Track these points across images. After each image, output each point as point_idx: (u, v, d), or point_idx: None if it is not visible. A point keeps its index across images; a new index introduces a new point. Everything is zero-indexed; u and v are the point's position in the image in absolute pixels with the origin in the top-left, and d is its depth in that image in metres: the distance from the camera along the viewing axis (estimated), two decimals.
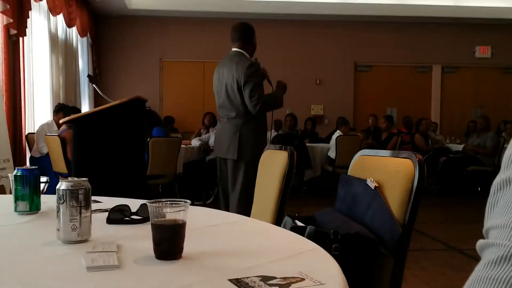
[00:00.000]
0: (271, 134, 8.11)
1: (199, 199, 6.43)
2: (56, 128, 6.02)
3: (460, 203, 6.99)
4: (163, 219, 1.01)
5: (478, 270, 0.49)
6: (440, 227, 5.22)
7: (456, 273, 3.57)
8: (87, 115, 3.78)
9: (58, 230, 1.13)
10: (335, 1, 9.36)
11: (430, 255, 4.11)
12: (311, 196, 7.18)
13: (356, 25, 10.15)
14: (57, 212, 1.13)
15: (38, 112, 6.64)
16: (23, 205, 1.49)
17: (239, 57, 3.62)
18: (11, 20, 5.40)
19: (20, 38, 5.74)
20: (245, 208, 3.49)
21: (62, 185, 1.13)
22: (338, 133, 7.31)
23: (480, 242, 0.52)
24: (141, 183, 4.13)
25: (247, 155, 3.55)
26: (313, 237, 1.42)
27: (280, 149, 2.08)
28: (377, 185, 1.51)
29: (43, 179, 6.22)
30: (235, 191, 3.59)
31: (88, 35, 8.80)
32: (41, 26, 6.83)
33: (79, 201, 1.12)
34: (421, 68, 10.66)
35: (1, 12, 5.30)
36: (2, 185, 4.62)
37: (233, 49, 3.70)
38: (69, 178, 1.15)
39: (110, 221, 1.37)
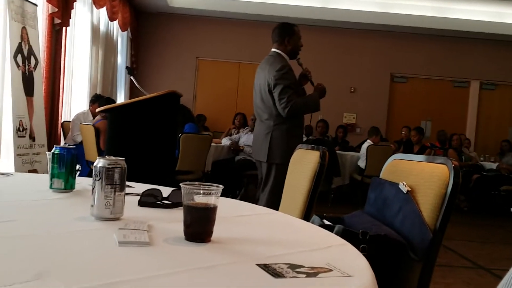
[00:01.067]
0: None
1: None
2: (91, 117, 6.14)
3: (491, 223, 6.83)
4: (195, 201, 1.02)
5: None
6: (469, 245, 5.10)
7: None
8: (122, 106, 3.85)
9: (92, 206, 1.16)
10: (374, 10, 9.28)
11: (456, 272, 4.02)
12: (338, 204, 7.12)
13: (394, 35, 10.04)
14: (92, 188, 1.15)
15: (75, 101, 6.79)
16: (58, 183, 1.52)
17: (273, 59, 3.61)
18: (56, 9, 5.54)
19: (64, 28, 5.89)
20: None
21: (99, 162, 1.15)
22: (368, 142, 7.24)
23: None
24: (170, 177, 4.17)
25: (277, 158, 3.53)
26: (341, 236, 1.41)
27: (312, 149, 2.07)
28: (409, 189, 1.49)
29: None
30: (265, 192, 3.59)
31: (129, 29, 8.95)
32: (84, 17, 6.99)
33: (114, 180, 1.15)
34: (458, 83, 10.47)
35: (47, 1, 5.44)
36: (36, 169, 4.74)
37: (272, 49, 3.70)
38: (107, 157, 1.17)
39: (141, 203, 1.39)
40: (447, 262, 4.25)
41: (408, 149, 7.93)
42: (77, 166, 5.05)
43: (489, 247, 5.17)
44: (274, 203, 3.42)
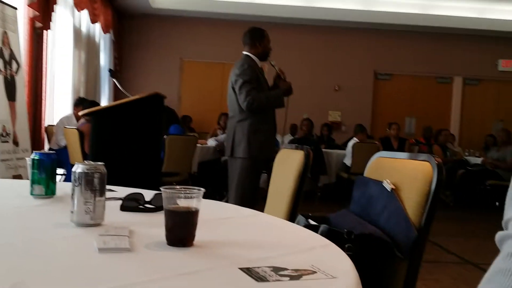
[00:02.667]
0: (283, 138, 8.06)
1: (212, 199, 6.43)
2: (75, 121, 6.08)
3: (477, 217, 6.88)
4: (176, 205, 1.01)
5: (498, 262, 0.47)
6: (455, 241, 5.14)
7: (470, 287, 3.50)
8: (105, 109, 3.81)
9: (72, 212, 1.14)
10: (358, 8, 9.33)
11: (444, 267, 4.04)
12: (324, 202, 7.13)
13: (378, 33, 10.10)
14: (72, 194, 1.13)
15: (58, 105, 6.72)
16: (39, 189, 1.49)
17: (240, 60, 3.76)
18: (37, 13, 5.48)
19: (44, 31, 5.82)
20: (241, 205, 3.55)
21: (78, 167, 1.13)
22: (354, 140, 7.26)
23: (499, 234, 0.50)
24: (156, 179, 4.14)
25: (240, 153, 3.63)
26: (326, 236, 1.40)
27: (297, 148, 2.06)
28: (393, 187, 1.49)
29: (60, 171, 6.27)
30: (231, 189, 3.67)
31: (111, 31, 8.88)
32: (66, 20, 6.92)
33: (94, 185, 1.13)
34: (441, 79, 10.56)
35: (28, 5, 5.38)
36: (20, 175, 4.68)
37: (243, 52, 3.84)
38: (86, 162, 1.15)
39: (123, 208, 1.37)
40: (434, 258, 4.28)
41: (387, 145, 7.93)
42: (62, 171, 4.98)
43: (475, 241, 5.21)
44: (241, 199, 3.51)
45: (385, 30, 10.01)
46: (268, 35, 3.88)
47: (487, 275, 0.48)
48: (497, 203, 7.55)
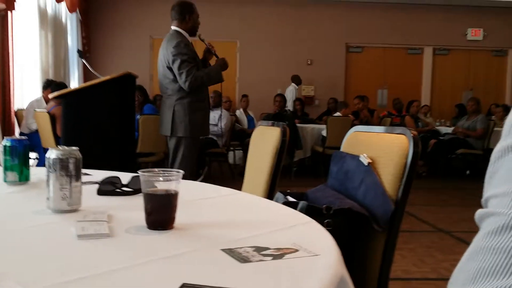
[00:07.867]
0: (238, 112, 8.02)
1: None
2: (45, 104, 5.95)
3: (448, 186, 7.03)
4: (155, 188, 1.00)
5: (478, 240, 0.48)
6: (429, 209, 5.24)
7: (444, 255, 3.59)
8: (76, 91, 3.74)
9: (47, 199, 1.11)
10: None
11: (418, 236, 4.13)
12: (300, 177, 7.18)
13: (348, 6, 10.08)
14: (47, 181, 1.11)
15: (27, 88, 6.55)
16: (12, 176, 1.46)
17: (171, 36, 3.72)
18: None
19: (9, 13, 5.63)
20: None
21: (52, 153, 1.10)
22: (338, 115, 7.31)
23: (479, 212, 0.51)
24: (131, 160, 4.11)
25: (180, 131, 3.64)
26: (305, 212, 1.41)
27: (273, 125, 2.06)
28: (370, 161, 1.50)
29: (32, 155, 6.16)
30: (174, 167, 3.67)
31: (78, 10, 8.65)
32: (30, 1, 6.70)
33: (69, 170, 1.10)
34: (412, 50, 10.65)
35: None
36: None
37: (171, 27, 3.79)
38: (60, 147, 1.12)
39: (100, 192, 1.35)
40: (409, 227, 4.36)
41: (357, 118, 7.96)
42: (35, 155, 4.87)
43: (448, 210, 5.33)
44: (184, 176, 3.50)
45: (355, 2, 10.00)
46: (197, 9, 3.81)
47: (467, 254, 0.49)
48: (467, 172, 7.72)
